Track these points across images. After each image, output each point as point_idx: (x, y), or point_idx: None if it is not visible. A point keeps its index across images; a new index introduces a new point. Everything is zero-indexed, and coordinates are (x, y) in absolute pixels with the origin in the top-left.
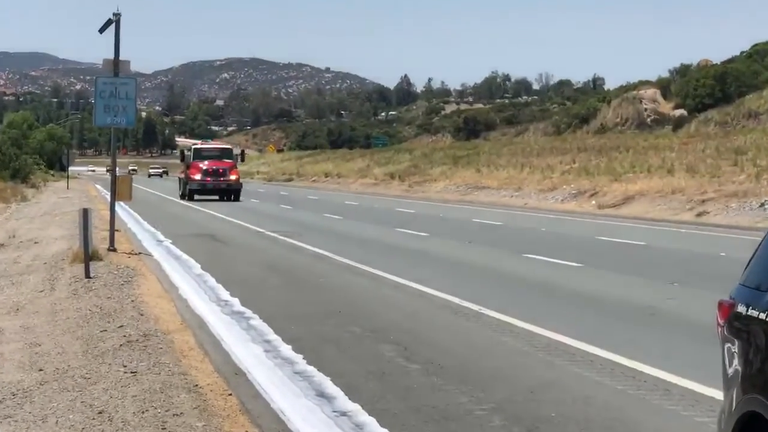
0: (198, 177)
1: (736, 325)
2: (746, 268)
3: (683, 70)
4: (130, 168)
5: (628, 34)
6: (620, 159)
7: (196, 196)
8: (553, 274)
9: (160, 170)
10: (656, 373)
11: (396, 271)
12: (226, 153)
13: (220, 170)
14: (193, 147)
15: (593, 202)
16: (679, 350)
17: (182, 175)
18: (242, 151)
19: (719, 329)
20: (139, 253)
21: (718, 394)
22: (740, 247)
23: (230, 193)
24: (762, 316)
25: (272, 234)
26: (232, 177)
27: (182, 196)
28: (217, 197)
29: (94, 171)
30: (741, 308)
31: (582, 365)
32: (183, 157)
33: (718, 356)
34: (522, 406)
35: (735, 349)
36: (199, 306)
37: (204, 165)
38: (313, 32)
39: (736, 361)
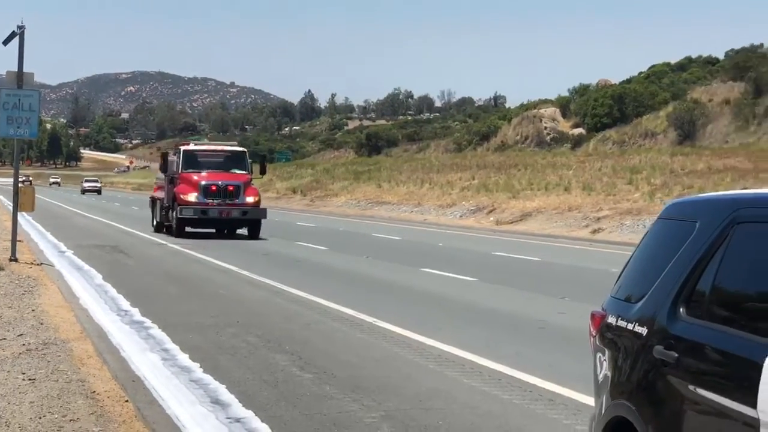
0: (193, 198)
1: (606, 335)
2: (617, 281)
3: (582, 90)
4: (27, 178)
5: (529, 53)
6: (519, 176)
7: (190, 229)
8: (448, 288)
9: (59, 179)
10: (542, 384)
11: (294, 284)
12: (236, 159)
13: (231, 188)
14: (182, 149)
15: (491, 218)
16: (565, 362)
17: (160, 194)
18: (263, 157)
19: (591, 339)
20: (41, 263)
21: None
22: None
23: (247, 225)
24: (630, 326)
25: (174, 246)
26: (249, 199)
27: (160, 228)
28: (221, 230)
29: None
30: (611, 319)
31: (471, 376)
32: (164, 165)
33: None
34: (411, 414)
35: (605, 357)
36: (99, 315)
37: (203, 179)
38: (219, 47)
39: (605, 369)
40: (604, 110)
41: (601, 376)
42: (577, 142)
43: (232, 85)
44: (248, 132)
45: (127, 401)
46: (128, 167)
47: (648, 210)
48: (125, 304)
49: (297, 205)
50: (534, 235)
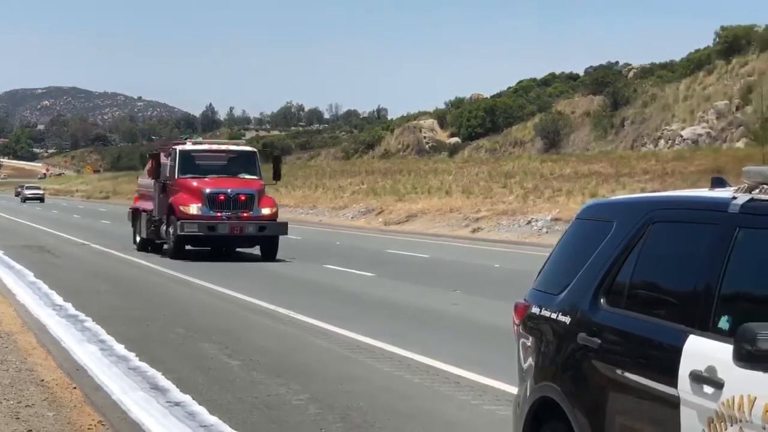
0: (195, 210)
1: (530, 324)
2: (539, 275)
3: (457, 103)
4: None
5: (408, 69)
6: (404, 181)
7: (189, 247)
8: (351, 282)
9: None
10: (447, 368)
11: (212, 281)
12: (244, 161)
13: (242, 197)
14: (178, 149)
15: (380, 219)
16: (465, 348)
17: (145, 205)
18: (276, 157)
19: (515, 327)
20: None
21: (501, 386)
22: (510, 259)
23: (262, 242)
24: (554, 316)
25: (97, 246)
26: (266, 210)
27: (144, 246)
28: (226, 248)
29: None
30: (535, 309)
31: (382, 361)
32: (155, 170)
33: (498, 352)
34: (334, 396)
35: (529, 344)
36: (36, 310)
37: (207, 185)
38: (127, 63)
39: (530, 355)
40: (477, 121)
41: (525, 362)
42: (453, 150)
43: (140, 99)
44: (154, 141)
45: (75, 388)
46: (45, 174)
47: (522, 211)
48: (59, 299)
49: None
50: (420, 234)
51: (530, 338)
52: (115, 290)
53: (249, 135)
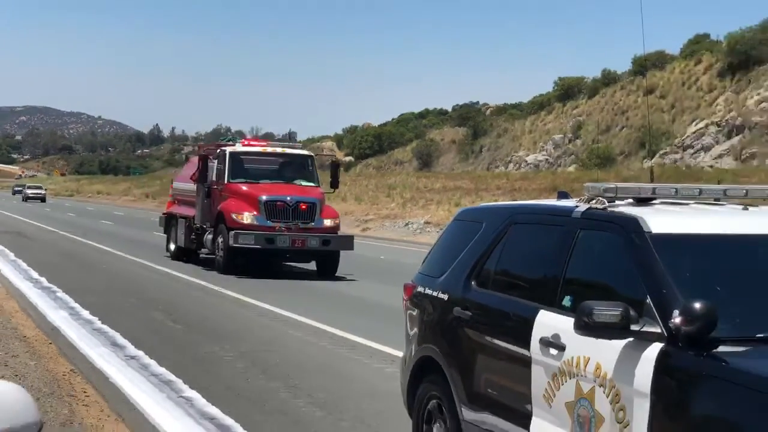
0: (248, 220)
1: (415, 300)
2: (423, 262)
3: (352, 129)
4: None
5: (312, 98)
6: None
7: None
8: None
9: None
10: (345, 335)
11: (154, 261)
12: (300, 166)
13: (303, 206)
14: (228, 151)
15: None
16: (360, 321)
17: (184, 211)
18: (335, 164)
19: (404, 303)
20: None
21: (388, 349)
22: (392, 252)
23: (323, 258)
24: (435, 294)
25: (64, 233)
26: (328, 222)
27: (180, 256)
28: (287, 261)
29: None
30: (420, 289)
31: (296, 328)
32: (201, 173)
33: (386, 324)
34: (258, 354)
35: (415, 315)
36: (17, 282)
37: (263, 191)
38: (91, 87)
39: (415, 324)
40: (367, 144)
41: (411, 330)
42: (348, 167)
43: (100, 118)
44: (111, 152)
45: (51, 344)
46: (21, 175)
47: (401, 215)
48: (35, 274)
49: (150, 205)
50: None
51: (416, 311)
52: (81, 268)
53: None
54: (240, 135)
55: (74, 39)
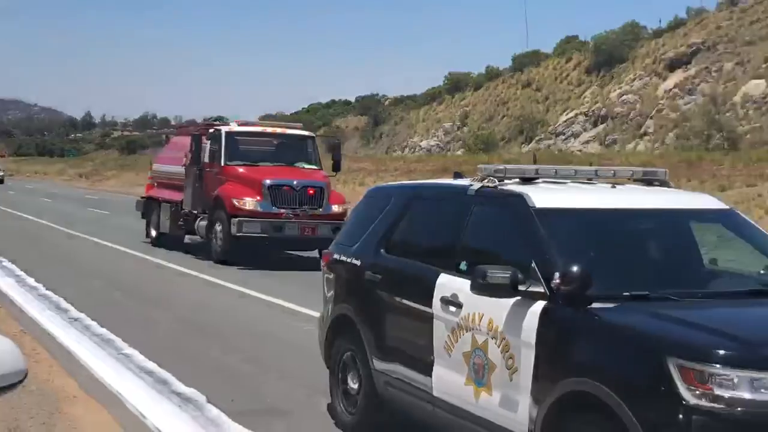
0: (251, 206)
1: (332, 266)
2: (339, 233)
3: (266, 117)
4: None
5: (227, 86)
6: None
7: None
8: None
9: None
10: (267, 298)
11: (92, 234)
12: (301, 147)
13: (311, 191)
14: (224, 130)
15: None
16: (293, 287)
17: (167, 194)
18: (335, 145)
19: (323, 267)
20: None
21: (305, 311)
22: None
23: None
24: (350, 260)
25: (3, 209)
26: (336, 208)
27: (162, 242)
28: (291, 251)
29: None
30: (336, 256)
31: (226, 293)
32: (194, 155)
33: (299, 290)
34: (189, 316)
35: (332, 279)
36: None
37: (266, 175)
38: (28, 74)
39: (332, 287)
40: None
41: (328, 292)
42: None
43: (35, 105)
44: (47, 137)
45: (1, 307)
46: None
47: None
48: None
49: (83, 185)
50: None
51: (332, 275)
52: (21, 241)
53: (116, 134)
54: (165, 121)
55: (12, 30)
